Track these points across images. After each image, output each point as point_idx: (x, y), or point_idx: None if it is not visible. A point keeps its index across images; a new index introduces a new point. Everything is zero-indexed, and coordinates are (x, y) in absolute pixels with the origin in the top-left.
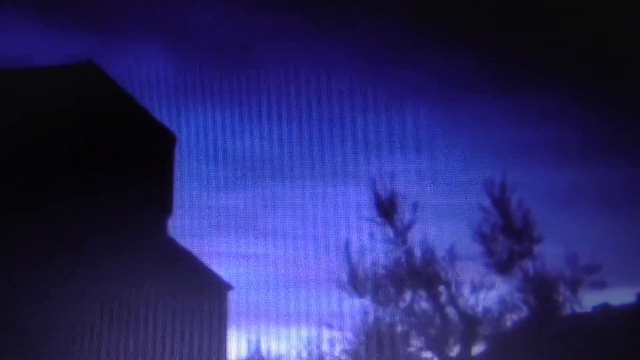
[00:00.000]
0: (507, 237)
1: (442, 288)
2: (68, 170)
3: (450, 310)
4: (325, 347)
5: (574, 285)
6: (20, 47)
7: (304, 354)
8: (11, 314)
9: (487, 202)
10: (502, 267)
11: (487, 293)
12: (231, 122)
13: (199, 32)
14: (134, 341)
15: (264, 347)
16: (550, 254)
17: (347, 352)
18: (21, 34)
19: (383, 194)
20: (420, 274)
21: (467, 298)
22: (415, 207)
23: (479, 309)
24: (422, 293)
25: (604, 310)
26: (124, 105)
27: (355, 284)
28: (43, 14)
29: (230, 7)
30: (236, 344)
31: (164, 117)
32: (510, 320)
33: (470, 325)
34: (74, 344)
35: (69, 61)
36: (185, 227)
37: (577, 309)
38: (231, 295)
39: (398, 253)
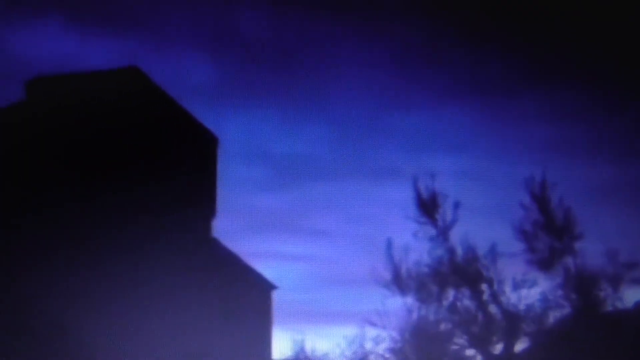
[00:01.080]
0: (548, 234)
1: (484, 286)
2: (116, 174)
3: (492, 308)
4: (369, 345)
5: (615, 282)
6: (68, 53)
7: (347, 353)
8: (64, 312)
9: (527, 200)
10: (544, 264)
11: (529, 290)
12: (273, 123)
13: (241, 36)
14: (180, 340)
15: (308, 346)
16: (591, 251)
17: (391, 350)
18: (68, 40)
19: (425, 193)
20: (462, 271)
21: (509, 295)
22: (456, 205)
23: (521, 306)
24: (465, 291)
25: None
26: (168, 109)
27: (399, 282)
28: (88, 21)
29: (271, 10)
30: (281, 342)
31: (207, 120)
32: (552, 317)
33: (512, 322)
34: (123, 343)
35: (114, 66)
36: (230, 228)
37: (619, 305)
38: (276, 295)
39: (440, 251)
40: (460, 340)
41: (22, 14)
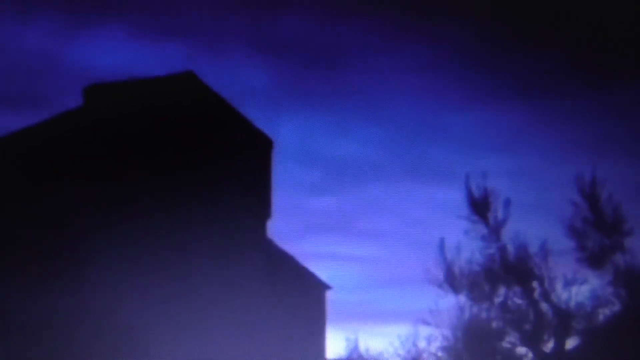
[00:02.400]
0: (598, 232)
1: (535, 284)
2: (172, 177)
3: (543, 306)
4: (422, 344)
5: None
6: (125, 60)
7: (401, 352)
8: (118, 314)
9: (577, 197)
10: (594, 261)
11: (579, 288)
12: (327, 125)
13: (294, 38)
14: (236, 340)
15: (362, 345)
16: None
17: (444, 348)
18: (125, 47)
19: (476, 192)
20: (513, 270)
21: (560, 293)
22: (507, 203)
23: (572, 304)
24: (516, 289)
25: None
26: (223, 113)
27: (451, 281)
28: (145, 28)
29: (323, 12)
30: (335, 342)
31: (262, 123)
32: (602, 314)
33: (563, 320)
34: (180, 343)
35: (170, 72)
36: (285, 230)
37: None
38: (330, 295)
39: (492, 250)
40: (511, 338)
41: (81, 23)
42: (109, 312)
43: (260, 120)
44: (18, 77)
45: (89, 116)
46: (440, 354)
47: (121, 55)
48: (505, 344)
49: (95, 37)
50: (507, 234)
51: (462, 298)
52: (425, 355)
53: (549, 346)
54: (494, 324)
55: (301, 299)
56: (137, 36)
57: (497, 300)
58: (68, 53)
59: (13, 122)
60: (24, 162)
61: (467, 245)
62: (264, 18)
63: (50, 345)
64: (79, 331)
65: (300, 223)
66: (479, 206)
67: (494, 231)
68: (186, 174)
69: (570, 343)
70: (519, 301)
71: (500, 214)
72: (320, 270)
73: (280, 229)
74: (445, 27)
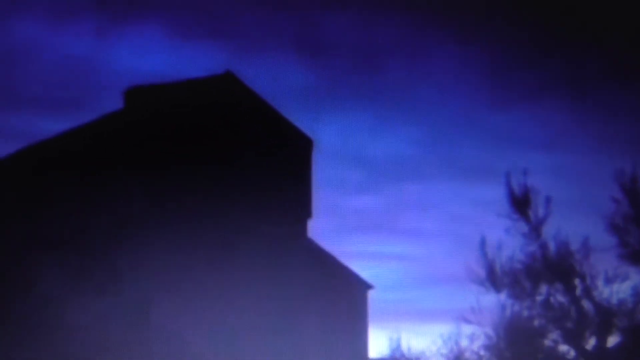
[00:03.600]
0: (639, 228)
1: (577, 281)
2: (212, 178)
3: (585, 303)
4: (464, 342)
5: None
6: (164, 62)
7: (443, 350)
8: (160, 314)
9: (618, 193)
10: (636, 257)
11: (621, 284)
12: (367, 124)
13: (333, 38)
14: (277, 341)
15: (404, 344)
16: None
17: (486, 347)
18: (164, 50)
19: (517, 190)
20: (555, 267)
21: (602, 290)
22: (548, 201)
23: (614, 301)
24: (558, 286)
25: None
26: (263, 113)
27: (493, 279)
28: (183, 30)
29: (363, 12)
30: (377, 341)
31: (302, 123)
32: None
33: (605, 317)
34: (219, 344)
35: (209, 73)
36: (326, 229)
37: None
38: (371, 294)
39: (533, 247)
40: (553, 335)
41: (120, 26)
42: (150, 312)
43: (300, 120)
44: (59, 81)
45: (129, 118)
46: (482, 352)
47: (161, 57)
48: (547, 342)
49: (135, 39)
50: (548, 231)
51: (504, 296)
52: (467, 354)
53: (590, 344)
54: (536, 322)
55: (343, 298)
56: (176, 38)
57: (539, 298)
58: (108, 56)
59: (55, 125)
60: (66, 164)
61: (509, 243)
62: (303, 18)
63: (91, 343)
64: (120, 330)
65: (342, 222)
66: (520, 203)
67: (535, 228)
68: (227, 175)
69: (612, 340)
70: (560, 299)
71: (541, 211)
72: (362, 270)
73: (322, 229)
74: (484, 26)
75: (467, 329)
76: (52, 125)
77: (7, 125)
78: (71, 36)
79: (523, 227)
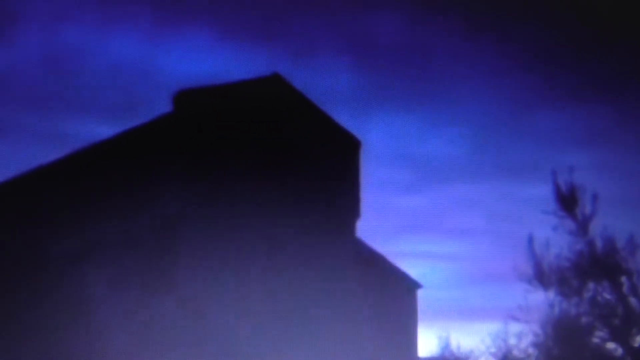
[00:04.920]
0: None
1: (623, 278)
2: (261, 179)
3: (632, 300)
4: (512, 340)
5: None
6: (212, 65)
7: (492, 349)
8: (210, 315)
9: None
10: None
11: None
12: (414, 124)
13: (380, 38)
14: (327, 341)
15: (453, 343)
16: None
17: (534, 345)
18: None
19: (564, 187)
20: (602, 264)
21: None
22: (595, 198)
23: None
24: (605, 284)
25: None
26: (310, 114)
27: (540, 277)
28: (232, 33)
29: (409, 14)
30: (427, 340)
31: (349, 123)
32: None
33: None
34: (268, 345)
35: (256, 75)
36: (374, 229)
37: None
38: (421, 294)
39: (580, 245)
40: (600, 333)
41: (168, 30)
42: (201, 313)
43: (348, 121)
44: (110, 85)
45: (178, 121)
46: (530, 350)
47: (209, 60)
48: (594, 340)
49: (184, 43)
50: (595, 228)
51: (552, 294)
52: (515, 352)
53: (638, 341)
54: (584, 320)
55: (393, 298)
56: (224, 41)
57: (586, 295)
58: (158, 60)
59: (106, 129)
60: (117, 167)
61: (556, 240)
62: (350, 19)
63: (144, 343)
64: (172, 329)
65: (390, 222)
66: (567, 201)
67: (582, 226)
68: (275, 176)
69: None
70: (607, 296)
71: (587, 209)
72: (411, 269)
73: (370, 229)
74: (528, 26)
75: (515, 327)
76: (102, 129)
77: (59, 129)
78: (121, 41)
79: (570, 224)
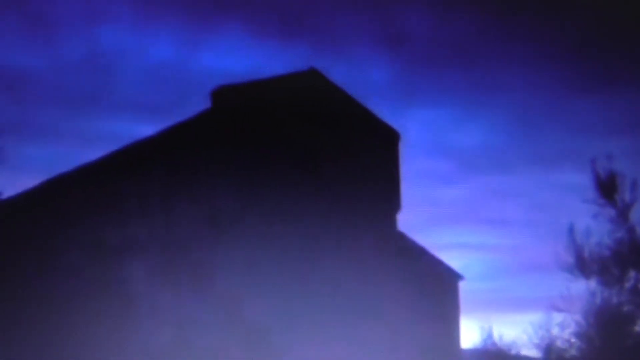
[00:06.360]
0: None
1: None
2: (301, 173)
3: None
4: (555, 330)
5: None
6: (249, 61)
7: (535, 339)
8: (251, 310)
9: None
10: None
11: None
12: (452, 116)
13: (417, 32)
14: (369, 333)
15: (495, 334)
16: None
17: (576, 334)
18: (249, 49)
19: (603, 175)
20: None
21: None
22: (634, 185)
23: None
24: None
25: None
26: (348, 108)
27: (582, 266)
28: (268, 29)
29: (446, 6)
30: (469, 332)
31: (389, 116)
32: None
33: None
34: (310, 338)
35: (293, 70)
36: (415, 221)
37: None
38: (462, 285)
39: (621, 232)
40: None
41: (205, 27)
42: (241, 309)
43: (387, 113)
44: (148, 85)
45: (217, 118)
46: (573, 339)
47: (246, 56)
48: (636, 328)
49: (220, 40)
50: (635, 215)
51: (593, 283)
52: (558, 341)
53: None
54: (625, 308)
55: (434, 289)
56: (260, 37)
57: (628, 284)
58: (195, 58)
59: (145, 128)
60: (156, 165)
61: (596, 229)
62: (387, 13)
63: (183, 338)
64: (213, 328)
65: (431, 214)
66: (606, 189)
67: (622, 213)
68: (315, 170)
69: None
70: None
71: (627, 196)
72: (452, 260)
73: (411, 221)
74: (567, 14)
75: (557, 317)
76: (142, 128)
77: (99, 129)
78: (157, 40)
79: (610, 212)
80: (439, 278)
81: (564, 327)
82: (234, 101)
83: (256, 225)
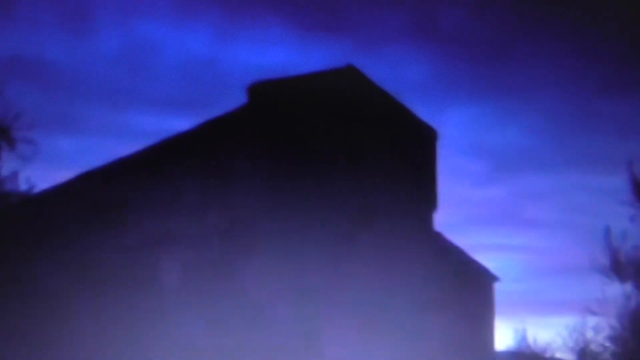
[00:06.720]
0: None
1: None
2: (338, 170)
3: None
4: (589, 334)
5: None
6: (287, 57)
7: (569, 343)
8: (288, 309)
9: None
10: None
11: None
12: (489, 115)
13: (455, 29)
14: (403, 333)
15: (529, 336)
16: None
17: (611, 338)
18: (287, 45)
19: None
20: None
21: None
22: None
23: None
24: None
25: None
26: (386, 106)
27: (617, 269)
28: (306, 26)
29: (484, 6)
30: (503, 334)
31: (425, 114)
32: None
33: None
34: (345, 337)
35: (331, 67)
36: (451, 221)
37: None
38: (497, 286)
39: None
40: None
41: (242, 23)
42: (279, 307)
43: (424, 112)
44: (185, 79)
45: (254, 113)
46: (607, 343)
47: (283, 52)
48: None
49: (257, 36)
50: None
51: (628, 286)
52: (592, 345)
53: None
54: None
55: (470, 290)
56: (298, 33)
57: None
58: (232, 53)
59: (182, 123)
60: (192, 160)
61: (633, 232)
62: (425, 10)
63: (215, 335)
64: (248, 327)
65: (467, 214)
66: None
67: None
68: (351, 167)
69: None
70: None
71: None
72: (487, 262)
73: (447, 221)
74: (600, 15)
75: (591, 320)
76: (178, 123)
77: (135, 124)
78: (195, 35)
79: None
80: (474, 278)
81: (598, 331)
82: (270, 97)
83: (291, 223)
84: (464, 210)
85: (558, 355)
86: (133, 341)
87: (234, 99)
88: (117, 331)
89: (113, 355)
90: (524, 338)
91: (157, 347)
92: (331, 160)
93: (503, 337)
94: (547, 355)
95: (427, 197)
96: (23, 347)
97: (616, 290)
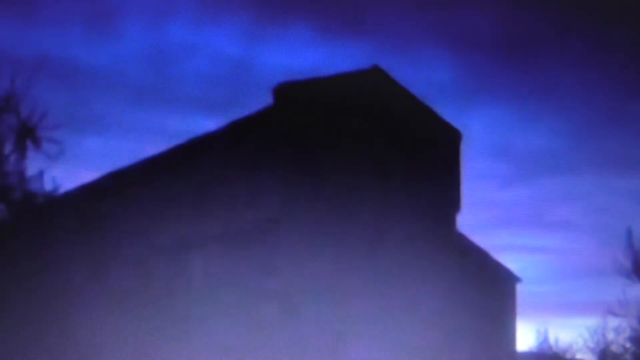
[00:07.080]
0: None
1: None
2: (362, 171)
3: None
4: (610, 335)
5: None
6: (313, 59)
7: (590, 344)
8: (310, 307)
9: None
10: None
11: None
12: (515, 117)
13: (482, 32)
14: (426, 333)
15: (551, 337)
16: None
17: (632, 339)
18: (312, 46)
19: None
20: None
21: None
22: None
23: None
24: None
25: None
26: (411, 107)
27: (639, 271)
28: (332, 27)
29: (509, 8)
30: (525, 334)
31: (450, 115)
32: None
33: None
34: (367, 337)
35: (357, 68)
36: (475, 222)
37: None
38: (519, 287)
39: None
40: None
41: (269, 24)
42: (299, 310)
43: (449, 113)
44: (212, 80)
45: (279, 114)
46: (628, 344)
47: (309, 53)
48: None
49: (284, 36)
50: None
51: None
52: (614, 346)
53: None
54: None
55: (492, 291)
56: (325, 34)
57: None
58: (258, 54)
59: (209, 123)
60: (217, 160)
61: None
62: (452, 13)
63: (241, 339)
64: (270, 326)
65: (490, 215)
66: None
67: None
68: (376, 168)
69: None
70: None
71: None
72: (510, 263)
73: (471, 222)
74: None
75: (613, 322)
76: (204, 123)
77: (161, 124)
78: (222, 37)
79: None
80: (496, 279)
81: (619, 332)
82: (296, 98)
83: (317, 223)
84: (488, 212)
85: (579, 356)
86: (163, 341)
87: (261, 100)
88: (147, 331)
89: (143, 355)
90: (545, 339)
91: (186, 348)
92: (356, 160)
93: (525, 337)
94: (569, 356)
95: (451, 199)
96: (50, 346)
97: (638, 291)
